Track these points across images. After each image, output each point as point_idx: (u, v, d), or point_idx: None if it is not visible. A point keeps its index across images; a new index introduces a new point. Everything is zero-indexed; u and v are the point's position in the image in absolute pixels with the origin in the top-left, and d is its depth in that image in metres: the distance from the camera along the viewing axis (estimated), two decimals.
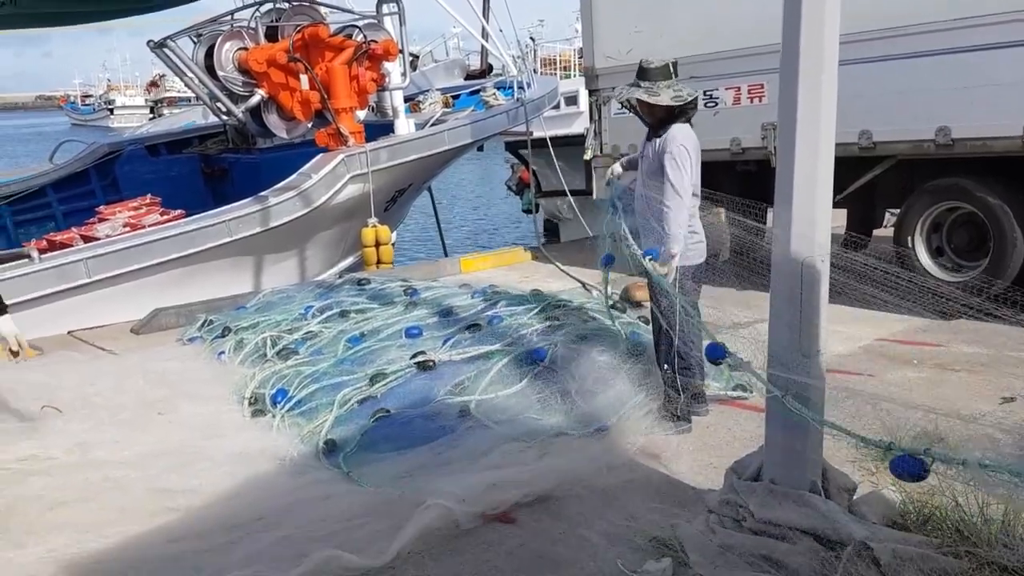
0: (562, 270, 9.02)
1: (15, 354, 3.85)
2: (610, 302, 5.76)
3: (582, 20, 9.43)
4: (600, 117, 8.99)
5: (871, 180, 7.23)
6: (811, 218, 2.98)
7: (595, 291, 7.62)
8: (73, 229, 9.64)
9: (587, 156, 9.22)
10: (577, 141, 14.34)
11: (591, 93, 9.12)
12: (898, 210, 7.43)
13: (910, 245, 7.04)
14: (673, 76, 4.47)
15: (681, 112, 4.48)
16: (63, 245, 8.73)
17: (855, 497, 3.17)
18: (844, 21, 2.92)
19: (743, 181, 8.25)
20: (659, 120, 4.51)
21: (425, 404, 4.65)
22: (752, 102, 7.66)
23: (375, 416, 4.55)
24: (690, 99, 4.44)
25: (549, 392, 4.66)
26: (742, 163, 7.98)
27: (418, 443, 4.30)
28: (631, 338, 5.24)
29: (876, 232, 7.85)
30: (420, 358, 5.07)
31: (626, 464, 4.13)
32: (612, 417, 4.50)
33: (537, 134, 11.84)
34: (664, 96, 4.41)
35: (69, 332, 7.48)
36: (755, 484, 3.17)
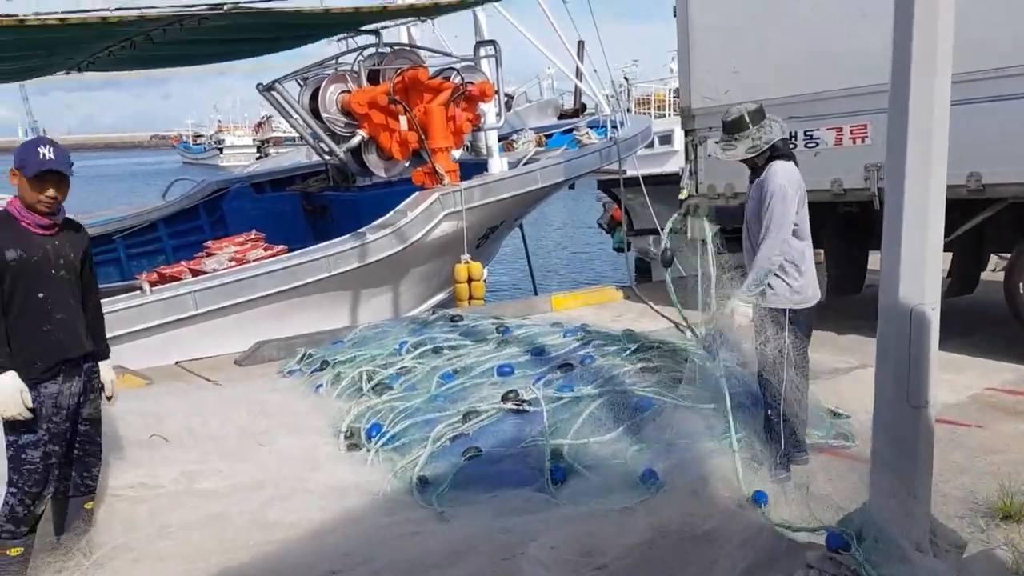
0: (655, 310, 8.93)
1: (108, 398, 4.02)
2: (705, 344, 5.67)
3: (679, 60, 9.42)
4: (696, 156, 8.92)
5: (978, 223, 6.95)
6: (921, 263, 2.88)
7: (689, 332, 7.51)
8: (182, 263, 10.06)
9: (682, 195, 9.13)
10: (671, 180, 14.26)
11: (687, 133, 9.07)
12: (1007, 254, 7.12)
13: (1021, 291, 6.73)
14: (751, 125, 4.40)
15: (784, 150, 4.42)
16: (172, 278, 9.11)
17: (964, 555, 3.02)
18: (953, 61, 2.84)
19: (845, 223, 8.05)
20: (756, 164, 4.47)
21: (517, 444, 4.64)
22: (855, 143, 7.48)
23: (467, 455, 4.57)
24: (766, 147, 4.37)
25: (644, 438, 4.59)
26: (844, 205, 7.79)
27: (510, 485, 4.29)
28: (727, 382, 5.13)
29: (982, 276, 7.55)
30: (512, 397, 5.07)
31: (723, 514, 4.02)
32: (709, 465, 4.39)
33: (630, 173, 11.84)
34: (740, 149, 4.39)
35: (177, 362, 7.77)
36: (859, 541, 3.05)
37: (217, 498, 4.24)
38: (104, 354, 3.99)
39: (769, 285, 4.35)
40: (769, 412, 4.46)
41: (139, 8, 7.82)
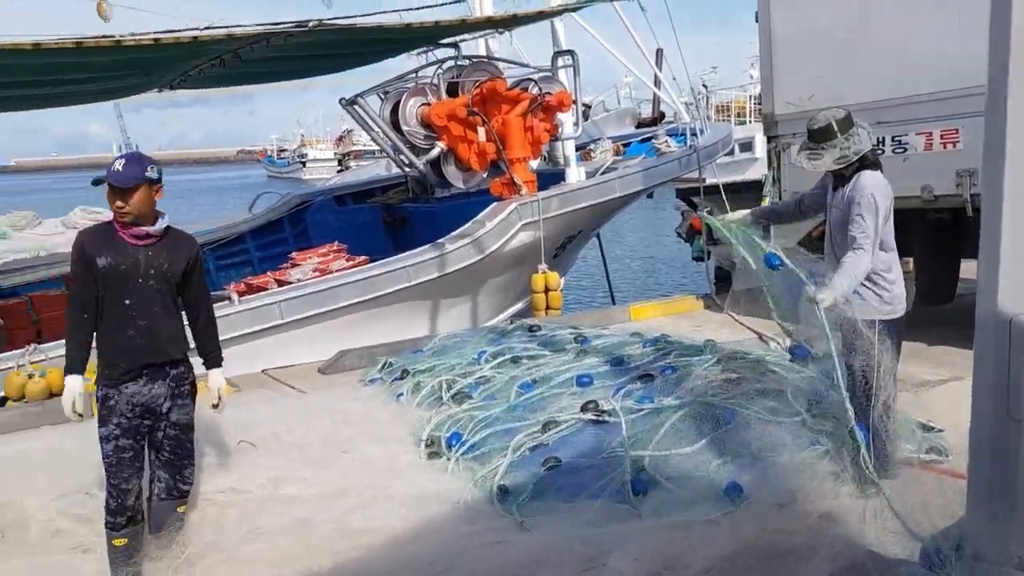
0: (736, 320, 8.77)
1: (214, 406, 4.16)
2: (789, 356, 5.56)
3: (761, 65, 9.27)
4: (779, 163, 8.76)
5: None
6: (1020, 270, 2.76)
7: (772, 343, 7.36)
8: (268, 273, 10.32)
9: (765, 204, 8.98)
10: (752, 188, 14.04)
11: (770, 139, 8.91)
12: None
13: None
14: (839, 134, 4.29)
15: (872, 158, 4.31)
16: (259, 288, 9.35)
17: None
18: None
19: (936, 230, 7.79)
20: (842, 172, 4.36)
21: (597, 455, 4.62)
22: (945, 148, 7.23)
23: (547, 465, 4.57)
24: (855, 157, 4.26)
25: (727, 451, 4.51)
26: (934, 211, 7.53)
27: (590, 495, 4.27)
28: (814, 394, 5.01)
29: None
30: (592, 408, 5.05)
31: (809, 529, 3.92)
32: (795, 479, 4.29)
33: (710, 181, 11.69)
34: (827, 159, 4.27)
35: (263, 370, 7.98)
36: (955, 558, 2.94)
37: (302, 504, 4.34)
38: (213, 362, 4.13)
39: (859, 295, 4.24)
40: (857, 426, 4.33)
41: (228, 27, 8.09)
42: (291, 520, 4.15)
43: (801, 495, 4.21)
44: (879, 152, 4.73)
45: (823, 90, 7.89)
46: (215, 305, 8.11)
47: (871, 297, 4.31)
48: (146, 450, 3.96)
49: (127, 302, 3.80)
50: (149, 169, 3.79)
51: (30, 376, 6.82)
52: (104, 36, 7.32)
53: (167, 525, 4.02)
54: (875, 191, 4.21)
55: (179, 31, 7.85)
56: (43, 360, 6.95)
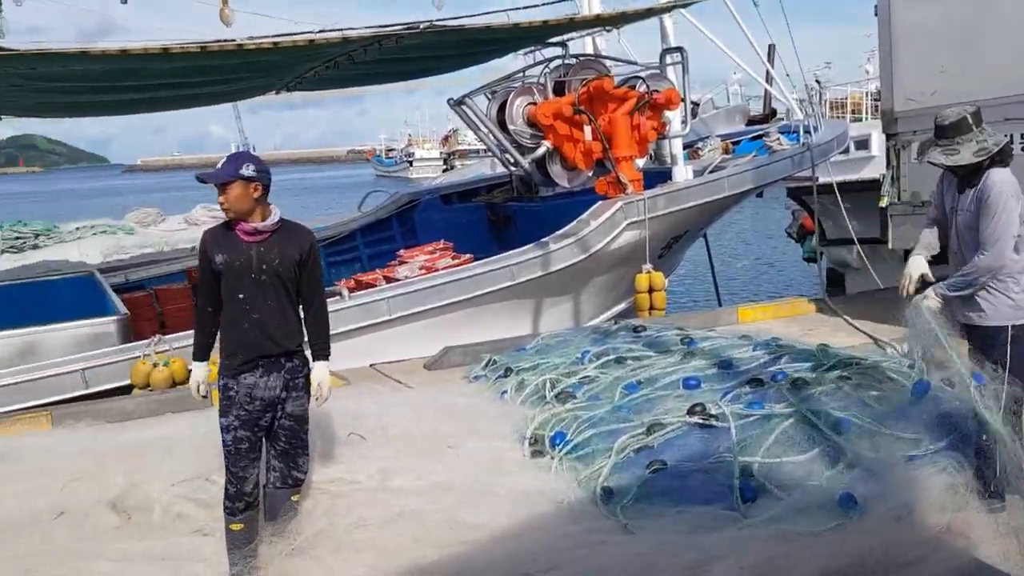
0: (851, 324, 8.48)
1: (315, 398, 4.25)
2: (909, 362, 5.33)
3: (880, 61, 8.93)
4: (899, 163, 8.42)
5: None
6: None
7: (889, 348, 7.08)
8: (377, 270, 10.55)
9: (883, 203, 8.64)
10: (868, 187, 13.54)
11: (889, 137, 8.58)
12: None
13: None
14: (974, 128, 4.09)
15: (1000, 157, 4.10)
16: (368, 285, 9.57)
17: None
18: None
19: None
20: (970, 171, 4.16)
21: (704, 460, 4.54)
22: None
23: (652, 467, 4.51)
24: (996, 149, 4.05)
25: (841, 461, 4.36)
26: None
27: (696, 500, 4.20)
28: (935, 405, 4.79)
29: None
30: (699, 411, 4.97)
31: (927, 543, 3.77)
32: (913, 490, 4.12)
33: (823, 180, 11.32)
34: (965, 153, 4.08)
35: (371, 365, 8.16)
36: None
37: (409, 496, 4.43)
38: (319, 354, 4.23)
39: (987, 300, 4.04)
40: (983, 436, 4.13)
41: (342, 30, 8.31)
42: (398, 511, 4.24)
43: (918, 508, 4.03)
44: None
45: (946, 85, 7.55)
46: (327, 300, 8.43)
47: (1002, 303, 4.10)
48: (263, 441, 4.12)
49: (241, 296, 3.99)
50: (244, 167, 3.94)
51: (155, 365, 7.17)
52: (226, 40, 7.63)
53: (281, 513, 4.16)
54: (1008, 190, 4.02)
55: (296, 35, 8.13)
56: (167, 350, 7.30)
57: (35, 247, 13.19)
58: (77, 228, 14.02)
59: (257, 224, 4.01)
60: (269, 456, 4.19)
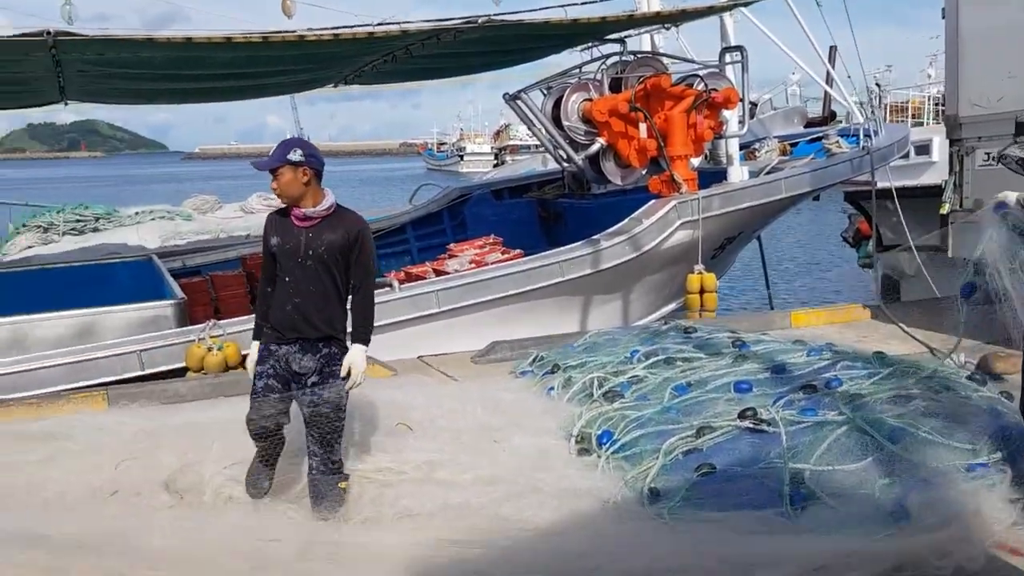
0: (906, 332, 8.29)
1: (344, 378, 4.26)
2: (966, 372, 5.20)
3: (946, 65, 8.71)
4: (962, 169, 8.21)
5: None
6: None
7: (947, 358, 6.91)
8: (427, 263, 10.62)
9: (944, 210, 8.43)
10: (928, 193, 13.24)
11: (952, 143, 8.37)
12: None
13: None
14: None
15: None
16: (418, 277, 9.63)
17: None
18: None
19: None
20: None
21: (753, 465, 4.47)
22: None
23: (701, 470, 4.47)
24: None
25: (895, 470, 4.27)
26: None
27: (745, 505, 4.14)
28: (992, 416, 4.67)
29: None
30: (750, 415, 4.90)
31: (976, 558, 3.67)
32: (966, 503, 4.01)
33: (881, 184, 11.10)
34: None
35: (419, 357, 8.20)
36: None
37: (455, 489, 4.44)
38: (356, 337, 4.26)
39: None
40: None
41: (401, 24, 8.36)
42: (444, 503, 4.26)
43: (971, 521, 3.93)
44: None
45: (1013, 90, 7.35)
46: (378, 291, 8.50)
47: None
48: (287, 405, 4.27)
49: (287, 279, 4.13)
50: (292, 152, 4.04)
51: (209, 349, 7.29)
52: (288, 32, 7.73)
53: (328, 499, 4.23)
54: None
55: (356, 27, 8.19)
56: (221, 335, 7.42)
57: (95, 230, 13.50)
58: (137, 213, 14.31)
59: (307, 210, 4.10)
60: (309, 442, 4.27)
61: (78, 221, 13.55)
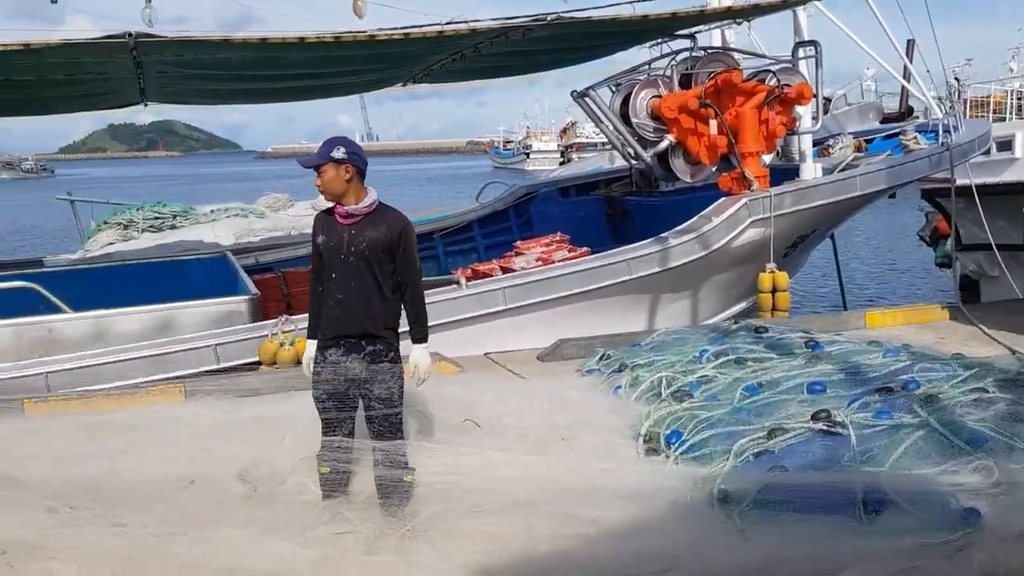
0: (987, 334, 8.02)
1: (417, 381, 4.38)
2: None
3: None
4: None
5: None
6: None
7: None
8: (493, 261, 10.63)
9: None
10: (1010, 190, 12.78)
11: None
12: None
13: None
14: None
15: None
16: (485, 275, 9.65)
17: None
18: None
19: None
20: None
21: (826, 468, 4.37)
22: None
23: (772, 473, 4.38)
24: None
25: (976, 478, 4.13)
26: None
27: (817, 509, 4.05)
28: None
29: None
30: (823, 417, 4.78)
31: None
32: None
33: (960, 182, 10.73)
34: None
35: (485, 354, 8.23)
36: None
37: (522, 486, 4.42)
38: (415, 338, 4.34)
39: None
40: None
41: (470, 22, 8.39)
42: (511, 501, 4.25)
43: None
44: None
45: None
46: (444, 288, 8.57)
47: None
48: (353, 412, 4.34)
49: (333, 276, 4.21)
50: (335, 150, 4.12)
51: (281, 344, 7.43)
52: (359, 31, 7.82)
53: (394, 494, 4.29)
54: None
55: (425, 26, 8.25)
56: (293, 330, 7.55)
57: (172, 227, 13.87)
58: (212, 211, 14.65)
59: (350, 207, 4.18)
60: (371, 438, 4.37)
61: (156, 218, 13.94)
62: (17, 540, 3.90)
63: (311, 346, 4.37)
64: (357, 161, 4.16)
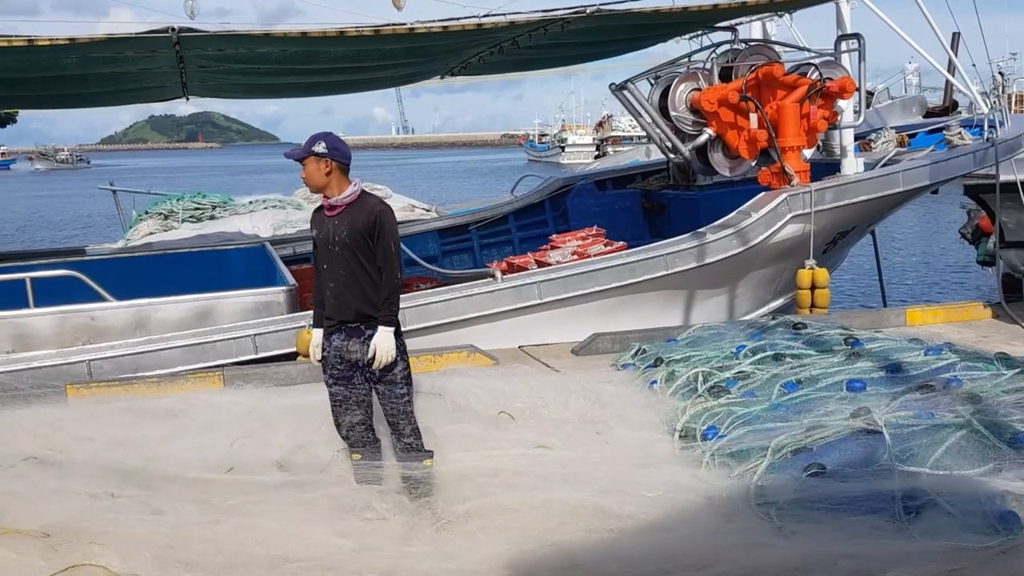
0: None
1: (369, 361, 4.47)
2: None
3: None
4: None
5: None
6: None
7: None
8: (529, 254, 10.61)
9: None
10: None
11: None
12: None
13: None
14: None
15: None
16: (520, 268, 9.65)
17: None
18: None
19: None
20: None
21: (866, 467, 4.32)
22: None
23: (810, 471, 4.34)
24: None
25: (1017, 477, 4.05)
26: None
27: (856, 509, 4.01)
28: None
29: None
30: (863, 415, 4.72)
31: None
32: None
33: (1005, 177, 10.51)
34: None
35: (520, 347, 8.24)
36: None
37: (558, 479, 4.44)
38: (383, 320, 4.34)
39: None
40: None
41: (509, 14, 8.38)
42: (547, 494, 4.26)
43: None
44: None
45: None
46: (482, 282, 8.57)
47: None
48: (363, 393, 4.49)
49: (324, 266, 4.38)
50: (316, 145, 4.28)
51: None
52: (398, 24, 7.84)
53: (416, 481, 4.40)
54: None
55: (464, 19, 8.25)
56: None
57: (212, 218, 14.02)
58: (250, 201, 14.78)
59: (332, 199, 4.33)
60: (385, 419, 4.54)
61: (196, 209, 14.10)
62: (60, 524, 3.98)
63: (317, 334, 4.53)
64: (337, 156, 4.32)
